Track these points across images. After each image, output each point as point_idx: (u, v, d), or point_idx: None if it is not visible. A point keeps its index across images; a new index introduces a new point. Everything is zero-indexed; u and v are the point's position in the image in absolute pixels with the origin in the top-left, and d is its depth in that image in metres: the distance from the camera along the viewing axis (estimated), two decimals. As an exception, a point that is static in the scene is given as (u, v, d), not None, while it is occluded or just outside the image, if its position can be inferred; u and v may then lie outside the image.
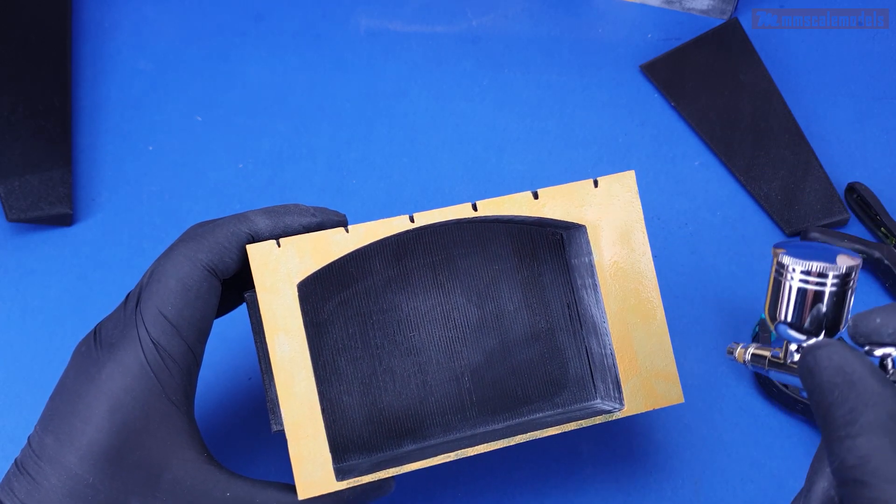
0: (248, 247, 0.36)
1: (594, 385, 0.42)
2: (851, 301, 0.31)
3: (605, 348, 0.40)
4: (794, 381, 0.33)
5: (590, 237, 0.39)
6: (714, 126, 0.57)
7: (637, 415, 0.49)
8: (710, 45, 0.60)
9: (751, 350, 0.36)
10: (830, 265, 0.29)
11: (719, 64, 0.60)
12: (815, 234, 0.52)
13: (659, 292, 0.39)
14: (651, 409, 0.38)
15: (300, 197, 0.55)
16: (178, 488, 0.34)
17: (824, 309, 0.30)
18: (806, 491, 0.30)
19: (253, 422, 0.48)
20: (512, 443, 0.37)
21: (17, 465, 0.35)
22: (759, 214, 0.55)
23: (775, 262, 0.31)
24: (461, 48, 0.61)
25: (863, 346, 0.27)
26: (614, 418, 0.38)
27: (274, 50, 0.60)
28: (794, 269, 0.30)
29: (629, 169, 0.57)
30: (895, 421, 0.24)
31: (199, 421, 0.46)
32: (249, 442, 0.47)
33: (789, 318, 0.31)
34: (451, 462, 0.48)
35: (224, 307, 0.41)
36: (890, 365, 0.27)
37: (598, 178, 0.39)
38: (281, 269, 0.36)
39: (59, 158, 0.53)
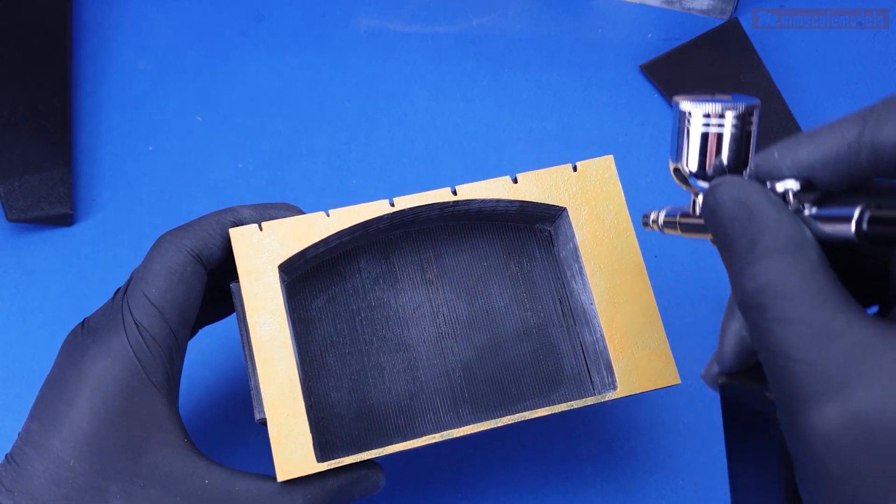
0: (231, 230, 0.37)
1: (591, 380, 0.42)
2: (753, 144, 0.30)
3: (595, 333, 0.40)
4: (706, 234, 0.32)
5: (571, 220, 0.39)
6: (714, 126, 0.57)
7: (637, 415, 0.49)
8: (710, 45, 0.60)
9: (663, 212, 0.34)
10: (729, 104, 0.29)
11: (719, 64, 0.60)
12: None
13: (646, 272, 0.39)
14: (645, 390, 0.38)
15: (300, 197, 0.55)
16: (156, 473, 0.34)
17: (726, 150, 0.30)
18: (720, 339, 0.29)
19: (240, 422, 0.48)
20: (499, 424, 0.37)
21: (7, 457, 0.35)
22: (759, 214, 0.55)
23: (676, 111, 0.31)
24: (461, 48, 0.61)
25: (765, 182, 0.27)
26: (606, 399, 0.38)
27: (274, 50, 0.60)
28: (693, 114, 0.30)
29: (629, 167, 0.57)
30: (793, 243, 0.24)
31: (187, 418, 0.46)
32: (236, 439, 0.47)
33: (694, 167, 0.30)
34: (450, 463, 0.48)
35: (218, 312, 0.42)
36: (790, 197, 0.26)
37: (577, 163, 0.40)
38: (263, 251, 0.37)
39: (59, 158, 0.53)
